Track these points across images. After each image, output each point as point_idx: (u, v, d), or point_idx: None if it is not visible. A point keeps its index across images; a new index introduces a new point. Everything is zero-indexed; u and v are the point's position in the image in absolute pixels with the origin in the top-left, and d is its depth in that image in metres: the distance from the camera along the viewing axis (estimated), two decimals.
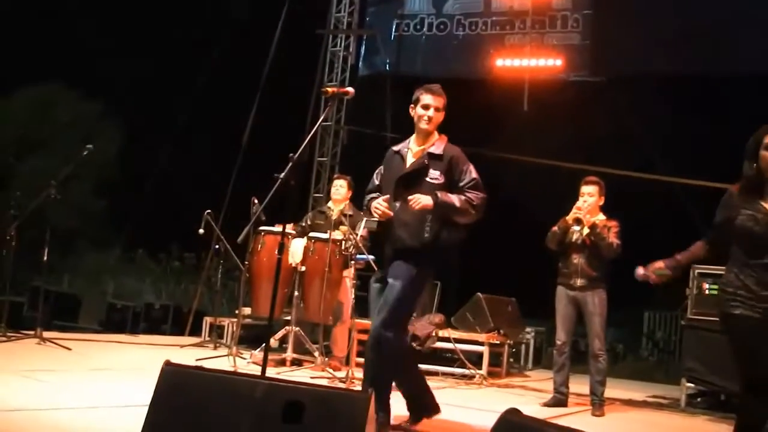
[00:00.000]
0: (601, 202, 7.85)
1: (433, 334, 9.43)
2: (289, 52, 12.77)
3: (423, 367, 6.65)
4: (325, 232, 8.52)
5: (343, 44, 13.67)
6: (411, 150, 5.74)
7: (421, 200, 5.44)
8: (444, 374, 9.16)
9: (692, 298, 8.69)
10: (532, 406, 7.73)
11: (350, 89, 5.54)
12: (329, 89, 5.56)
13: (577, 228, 7.69)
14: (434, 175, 5.57)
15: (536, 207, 12.48)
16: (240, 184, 11.73)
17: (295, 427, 3.37)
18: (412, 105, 5.74)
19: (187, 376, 3.60)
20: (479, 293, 10.12)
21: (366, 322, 9.82)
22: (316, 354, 8.43)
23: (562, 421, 6.80)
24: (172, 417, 3.47)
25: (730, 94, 12.38)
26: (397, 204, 5.58)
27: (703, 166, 12.91)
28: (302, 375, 8.09)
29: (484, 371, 9.25)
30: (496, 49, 12.95)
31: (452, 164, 5.62)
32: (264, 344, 8.24)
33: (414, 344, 9.02)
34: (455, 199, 5.53)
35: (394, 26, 13.80)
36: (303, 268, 8.51)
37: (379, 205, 5.52)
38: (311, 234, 8.78)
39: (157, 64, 18.34)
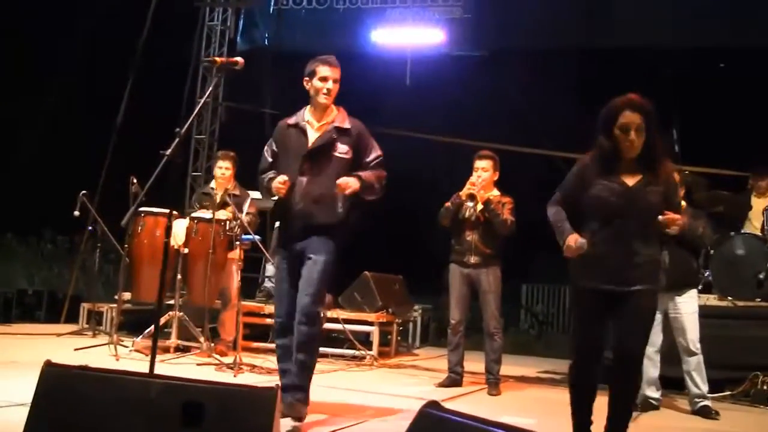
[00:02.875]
0: (496, 178, 7.71)
1: (322, 314, 9.18)
2: (165, 25, 12.25)
3: None
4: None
5: (221, 18, 13.20)
6: (311, 124, 5.52)
7: (350, 184, 5.30)
8: (334, 356, 8.93)
9: None
10: (426, 387, 7.60)
11: (240, 59, 5.25)
12: (217, 59, 5.25)
13: (470, 204, 7.53)
14: (342, 150, 5.42)
15: (420, 183, 12.39)
16: (116, 164, 11.23)
17: (195, 431, 3.06)
18: (306, 78, 5.52)
19: (72, 379, 3.23)
20: (366, 272, 9.92)
21: (252, 304, 9.62)
22: (202, 340, 8.09)
23: (459, 402, 6.70)
24: (56, 426, 3.11)
25: (609, 68, 12.44)
26: (304, 179, 5.39)
27: (586, 140, 13.01)
28: (188, 362, 7.78)
29: (374, 352, 9.07)
30: (378, 22, 12.70)
31: (359, 139, 5.49)
32: (147, 330, 7.95)
33: None
34: (373, 179, 5.43)
35: None
36: (186, 251, 8.16)
37: (281, 184, 5.32)
38: (193, 214, 8.43)
39: (23, 40, 17.47)
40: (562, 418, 6.62)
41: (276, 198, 5.50)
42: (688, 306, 7.06)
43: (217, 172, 8.94)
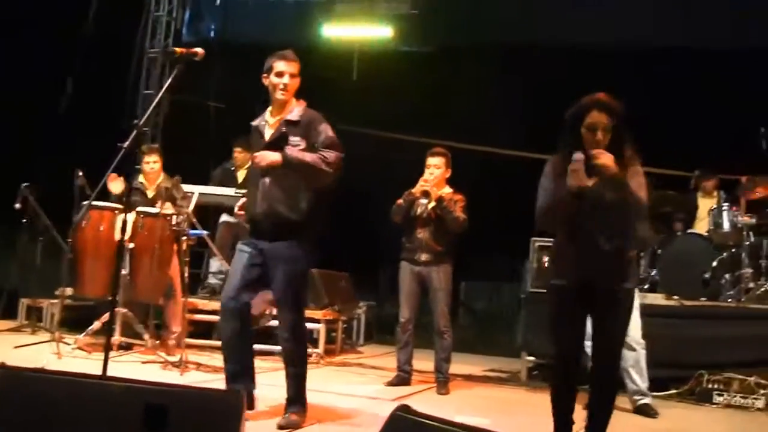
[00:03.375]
0: (448, 175, 7.68)
1: (267, 312, 9.06)
2: (109, 16, 11.99)
3: (257, 347, 6.32)
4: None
5: (166, 8, 12.93)
6: (268, 122, 5.49)
7: (267, 156, 5.27)
8: (279, 354, 8.80)
9: (532, 270, 8.69)
10: (375, 386, 7.54)
11: (200, 50, 5.15)
12: (177, 50, 5.14)
13: (424, 201, 7.48)
14: (295, 141, 5.35)
15: (367, 179, 12.31)
16: (60, 156, 10.96)
17: None
18: (264, 74, 5.46)
19: (27, 382, 3.07)
20: (312, 268, 9.81)
21: (198, 301, 9.43)
22: (146, 336, 7.92)
23: (410, 401, 6.56)
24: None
25: (557, 66, 12.47)
26: (267, 180, 5.34)
27: (532, 137, 13.05)
28: (132, 360, 7.62)
29: (320, 350, 8.97)
30: (326, 17, 12.59)
31: (309, 127, 5.39)
32: (90, 327, 7.76)
33: None
34: (306, 155, 5.29)
35: None
36: (132, 245, 7.98)
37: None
38: (140, 208, 8.26)
39: None
40: (515, 417, 6.65)
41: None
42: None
43: (145, 167, 8.79)
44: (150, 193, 8.55)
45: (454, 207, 7.46)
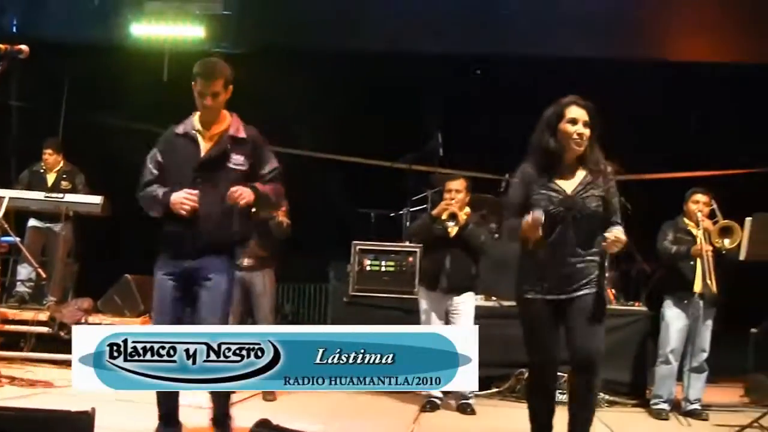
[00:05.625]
0: None
1: (83, 321, 8.81)
2: None
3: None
4: None
5: None
6: (200, 133, 5.12)
7: (244, 194, 4.93)
8: None
9: (354, 274, 8.76)
10: (199, 393, 7.39)
11: (24, 47, 4.74)
12: (1, 46, 4.82)
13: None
14: (238, 161, 5.06)
15: None
16: None
17: None
18: (193, 81, 5.09)
19: None
20: (127, 274, 9.58)
21: (7, 311, 9.01)
22: None
23: (238, 408, 6.33)
24: None
25: (370, 71, 12.65)
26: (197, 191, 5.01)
27: (342, 140, 13.18)
28: None
29: None
30: (135, 15, 12.28)
31: (255, 149, 5.14)
32: None
33: (62, 333, 8.42)
34: (270, 191, 5.09)
35: None
36: None
37: (187, 200, 4.95)
38: None
39: None
40: (344, 421, 6.72)
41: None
42: (466, 306, 7.37)
43: None
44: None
45: (278, 213, 7.46)
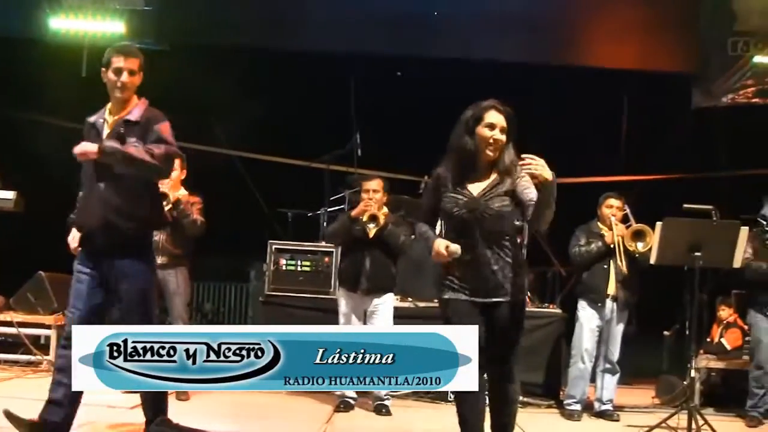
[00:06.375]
0: (183, 176, 7.61)
1: None
2: None
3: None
4: None
5: None
6: (107, 121, 5.11)
7: (83, 146, 4.90)
8: (7, 362, 8.40)
9: (270, 273, 8.74)
10: (113, 393, 7.22)
11: None
12: None
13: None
14: (132, 143, 4.99)
15: None
16: None
17: None
18: (103, 69, 5.11)
19: None
20: (41, 271, 9.42)
21: None
22: None
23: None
24: None
25: (295, 70, 12.63)
26: (102, 185, 4.99)
27: (264, 139, 13.16)
28: None
29: (51, 356, 8.60)
30: (54, 8, 12.04)
31: (147, 126, 5.08)
32: None
33: None
34: (136, 152, 4.93)
35: None
36: None
37: None
38: None
39: None
40: (257, 421, 6.70)
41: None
42: (385, 307, 7.42)
43: None
44: None
45: (191, 209, 7.41)
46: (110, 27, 12.12)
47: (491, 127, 4.85)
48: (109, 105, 5.22)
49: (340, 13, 11.77)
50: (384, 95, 12.49)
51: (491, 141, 4.84)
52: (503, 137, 4.86)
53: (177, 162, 7.48)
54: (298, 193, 11.43)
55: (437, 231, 5.12)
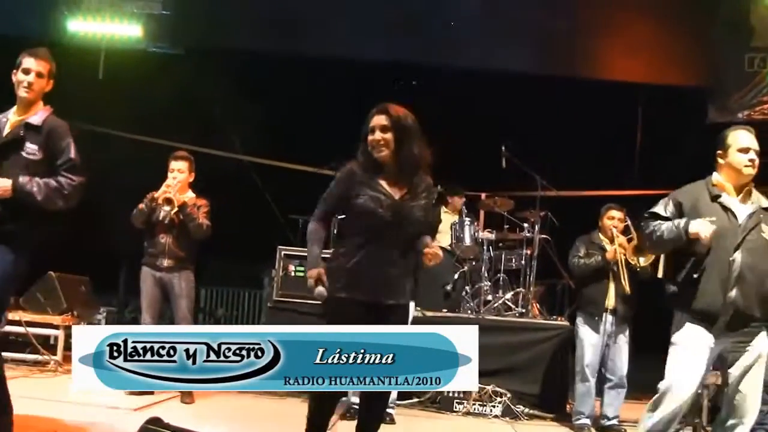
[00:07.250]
0: (191, 179, 7.63)
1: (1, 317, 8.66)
2: None
3: None
4: None
5: None
6: (9, 120, 5.09)
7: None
8: (14, 361, 8.42)
9: (278, 279, 8.74)
10: (117, 395, 7.24)
11: None
12: None
13: (167, 208, 7.39)
14: (31, 150, 4.98)
15: (107, 182, 12.03)
16: None
17: None
18: (14, 69, 5.12)
19: None
20: (51, 272, 9.46)
21: None
22: None
23: (155, 410, 6.48)
24: None
25: (308, 75, 12.65)
26: None
27: (274, 144, 13.18)
28: None
29: (59, 357, 8.64)
30: (72, 10, 12.14)
31: (51, 138, 5.04)
32: None
33: None
34: (36, 189, 4.90)
35: None
36: None
37: None
38: None
39: None
40: (260, 425, 6.69)
41: None
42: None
43: None
44: None
45: (198, 213, 7.43)
46: (127, 30, 12.26)
47: (371, 130, 4.88)
48: (15, 106, 5.19)
49: (362, 19, 11.78)
50: (401, 102, 12.48)
51: (372, 143, 4.85)
52: (385, 135, 4.83)
53: (186, 165, 7.54)
54: (310, 200, 11.39)
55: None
